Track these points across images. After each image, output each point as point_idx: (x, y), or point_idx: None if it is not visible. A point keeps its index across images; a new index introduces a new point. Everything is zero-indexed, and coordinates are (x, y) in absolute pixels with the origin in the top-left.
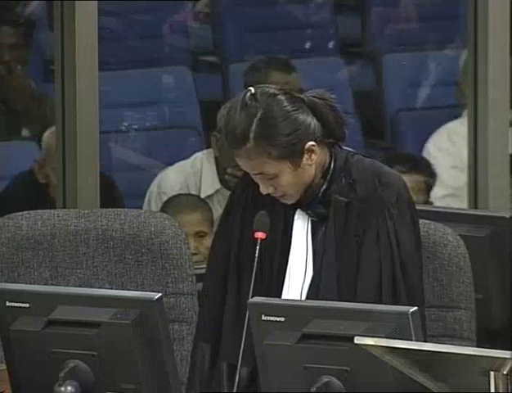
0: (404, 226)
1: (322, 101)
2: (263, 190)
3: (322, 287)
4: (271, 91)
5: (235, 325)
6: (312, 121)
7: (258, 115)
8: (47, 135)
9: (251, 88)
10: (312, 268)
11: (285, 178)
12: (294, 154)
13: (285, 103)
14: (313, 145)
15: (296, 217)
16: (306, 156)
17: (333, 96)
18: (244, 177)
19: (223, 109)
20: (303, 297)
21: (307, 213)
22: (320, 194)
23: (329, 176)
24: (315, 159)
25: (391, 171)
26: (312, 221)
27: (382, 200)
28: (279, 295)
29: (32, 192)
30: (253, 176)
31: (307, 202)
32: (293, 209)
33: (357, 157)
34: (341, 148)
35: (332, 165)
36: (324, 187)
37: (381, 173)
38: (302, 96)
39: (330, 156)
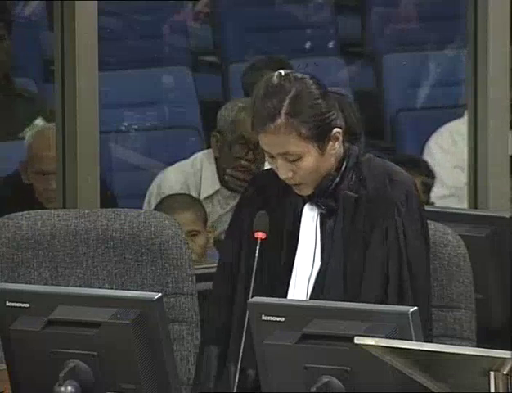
0: (412, 224)
1: (341, 97)
2: (282, 174)
3: (328, 280)
4: (300, 75)
5: (243, 325)
6: (337, 110)
7: (292, 92)
8: (28, 135)
9: (281, 71)
10: (320, 259)
11: (307, 161)
12: (321, 136)
13: (315, 86)
14: (339, 132)
15: (305, 209)
16: (331, 143)
17: (350, 95)
18: (252, 179)
19: (223, 109)
20: (310, 289)
21: (316, 205)
22: (331, 187)
23: (342, 170)
24: (337, 148)
25: (401, 170)
26: (320, 214)
27: (391, 198)
28: (286, 286)
29: (20, 194)
30: (271, 162)
31: (317, 194)
32: (302, 202)
33: (367, 156)
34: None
35: (346, 161)
36: (337, 180)
37: (391, 172)
38: None
39: (345, 152)
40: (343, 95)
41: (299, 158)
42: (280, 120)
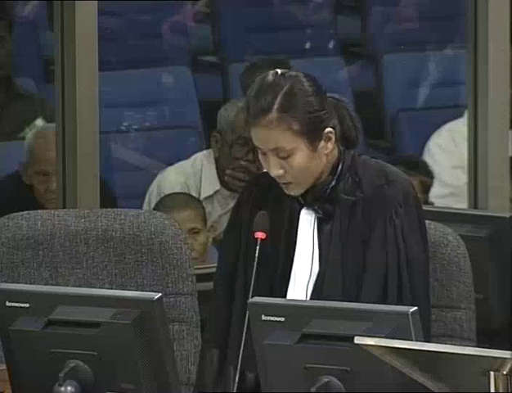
0: (411, 224)
1: (338, 102)
2: (273, 171)
3: (327, 284)
4: (295, 73)
5: (243, 326)
6: (332, 111)
7: (284, 89)
8: (28, 135)
9: (277, 70)
10: (318, 263)
11: (298, 157)
12: (313, 133)
13: (309, 83)
14: (331, 132)
15: (302, 214)
16: (323, 142)
17: (347, 101)
18: (251, 180)
19: (223, 109)
20: (309, 292)
21: (313, 209)
22: (328, 191)
23: (337, 174)
24: (330, 149)
25: (397, 171)
26: (318, 218)
27: (389, 199)
28: (285, 290)
29: (20, 194)
30: (263, 160)
31: (314, 198)
32: (299, 206)
33: (363, 157)
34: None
35: (341, 164)
36: (332, 183)
37: (387, 173)
38: None
39: (339, 155)
40: (340, 100)
41: (290, 155)
42: (272, 115)
